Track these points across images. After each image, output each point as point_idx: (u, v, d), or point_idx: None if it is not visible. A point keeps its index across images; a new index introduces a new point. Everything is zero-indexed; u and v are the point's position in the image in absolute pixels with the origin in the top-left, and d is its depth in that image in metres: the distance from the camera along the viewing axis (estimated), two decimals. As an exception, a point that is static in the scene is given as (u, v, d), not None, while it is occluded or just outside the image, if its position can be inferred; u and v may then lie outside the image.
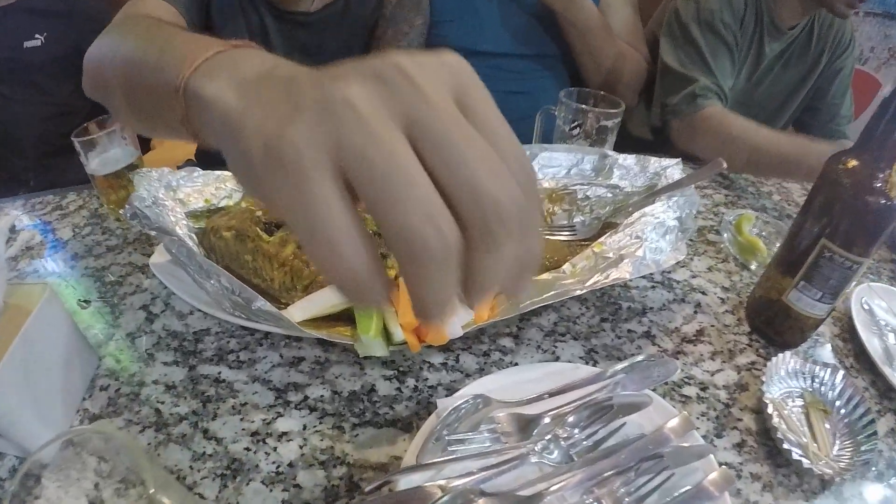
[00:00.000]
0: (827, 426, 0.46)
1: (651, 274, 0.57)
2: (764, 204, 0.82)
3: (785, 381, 0.49)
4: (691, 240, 0.69)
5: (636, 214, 0.54)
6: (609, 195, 0.65)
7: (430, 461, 0.37)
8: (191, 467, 0.41)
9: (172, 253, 0.48)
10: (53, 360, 0.43)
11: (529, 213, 0.18)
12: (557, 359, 0.51)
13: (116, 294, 0.58)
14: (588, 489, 0.37)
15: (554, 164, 0.67)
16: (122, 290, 0.59)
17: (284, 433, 0.44)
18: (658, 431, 0.41)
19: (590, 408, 0.41)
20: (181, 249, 0.47)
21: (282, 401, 0.47)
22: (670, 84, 0.93)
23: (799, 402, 0.48)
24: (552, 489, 0.36)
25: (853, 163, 0.45)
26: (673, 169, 0.63)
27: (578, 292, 0.49)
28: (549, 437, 0.40)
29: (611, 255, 0.51)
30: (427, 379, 0.49)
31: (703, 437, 0.45)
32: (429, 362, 0.51)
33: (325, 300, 0.48)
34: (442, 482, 0.35)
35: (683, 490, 0.37)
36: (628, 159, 0.65)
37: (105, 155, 0.67)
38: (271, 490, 0.40)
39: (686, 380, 0.50)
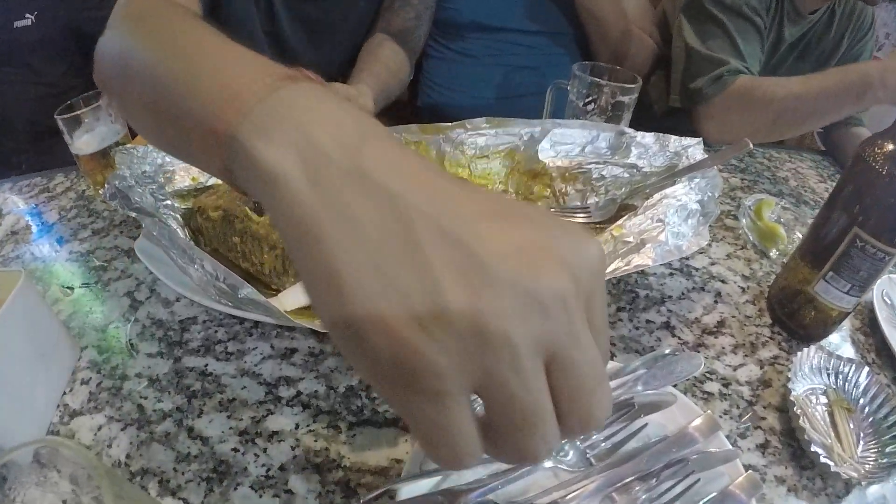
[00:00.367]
0: (851, 425, 0.44)
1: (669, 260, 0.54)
2: (781, 189, 0.78)
3: (809, 377, 0.47)
4: (710, 225, 0.66)
5: (656, 196, 0.50)
6: (626, 175, 0.61)
7: (435, 467, 0.34)
8: (174, 469, 0.38)
9: (154, 236, 0.44)
10: (30, 352, 0.41)
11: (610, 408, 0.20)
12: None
13: (101, 280, 0.55)
14: (607, 496, 0.35)
15: (567, 141, 0.63)
16: (106, 276, 0.56)
17: (275, 433, 0.41)
18: (682, 433, 0.38)
19: (609, 407, 0.38)
20: (163, 232, 0.44)
21: (272, 396, 0.44)
22: (697, 67, 0.88)
23: (823, 399, 0.46)
24: (569, 497, 0.34)
25: (890, 146, 0.42)
26: (695, 149, 0.59)
27: None
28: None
29: (631, 239, 0.47)
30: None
31: (727, 437, 0.42)
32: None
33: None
34: (448, 489, 0.33)
35: (709, 497, 0.35)
36: (647, 137, 0.61)
37: (91, 133, 0.64)
38: (261, 496, 0.37)
39: (708, 375, 0.47)
